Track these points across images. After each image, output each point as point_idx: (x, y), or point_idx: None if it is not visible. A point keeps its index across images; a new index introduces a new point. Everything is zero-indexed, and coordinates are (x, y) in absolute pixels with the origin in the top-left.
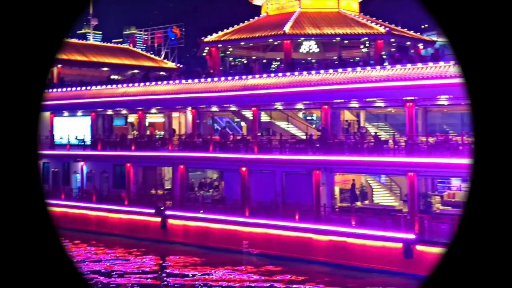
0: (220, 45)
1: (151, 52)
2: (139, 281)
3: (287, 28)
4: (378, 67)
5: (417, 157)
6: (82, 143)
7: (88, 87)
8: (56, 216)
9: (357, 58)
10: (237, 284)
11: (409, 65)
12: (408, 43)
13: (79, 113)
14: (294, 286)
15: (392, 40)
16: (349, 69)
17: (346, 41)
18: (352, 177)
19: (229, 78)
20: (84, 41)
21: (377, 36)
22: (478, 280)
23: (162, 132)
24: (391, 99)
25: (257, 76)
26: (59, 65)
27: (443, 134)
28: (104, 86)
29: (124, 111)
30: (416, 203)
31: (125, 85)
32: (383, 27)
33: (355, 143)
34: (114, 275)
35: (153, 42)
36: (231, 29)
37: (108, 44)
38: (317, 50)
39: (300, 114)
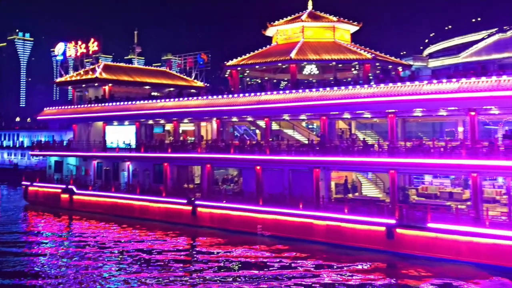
0: (239, 68)
1: (184, 74)
2: (174, 257)
3: (293, 55)
4: (366, 86)
5: (397, 158)
6: (129, 147)
7: (133, 102)
8: (107, 205)
9: (349, 79)
10: (253, 260)
11: (390, 84)
12: (390, 66)
13: (126, 122)
14: (299, 261)
15: (377, 64)
16: (343, 88)
17: (340, 65)
18: (345, 174)
19: (246, 94)
20: (130, 65)
21: (365, 61)
22: None
23: (193, 138)
24: (376, 111)
25: (268, 93)
26: (110, 84)
27: (418, 140)
28: (146, 101)
29: (162, 121)
30: (396, 194)
31: (163, 100)
32: (370, 53)
33: (347, 147)
34: (154, 253)
35: (185, 65)
36: (248, 55)
37: (149, 67)
38: (317, 72)
39: (303, 123)
